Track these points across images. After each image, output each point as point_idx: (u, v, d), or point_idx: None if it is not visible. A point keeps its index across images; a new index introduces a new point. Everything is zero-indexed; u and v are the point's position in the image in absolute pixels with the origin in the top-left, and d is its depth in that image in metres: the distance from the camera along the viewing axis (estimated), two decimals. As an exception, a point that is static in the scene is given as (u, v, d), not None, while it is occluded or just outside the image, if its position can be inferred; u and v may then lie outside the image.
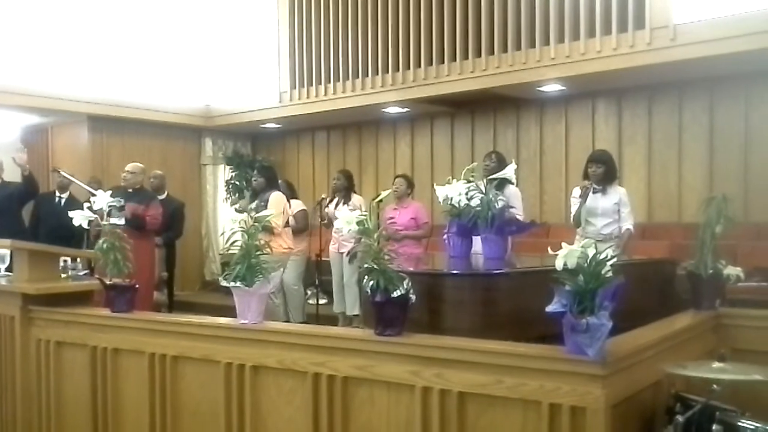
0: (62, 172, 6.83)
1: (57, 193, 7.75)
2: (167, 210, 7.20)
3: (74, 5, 9.05)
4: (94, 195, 3.71)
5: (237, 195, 10.52)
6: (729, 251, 4.44)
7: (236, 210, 6.30)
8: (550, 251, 2.35)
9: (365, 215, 2.72)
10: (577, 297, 2.30)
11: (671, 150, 7.68)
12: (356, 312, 7.11)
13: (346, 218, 2.74)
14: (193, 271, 10.86)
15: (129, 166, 6.59)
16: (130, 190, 6.42)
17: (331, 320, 7.43)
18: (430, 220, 6.91)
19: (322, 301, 7.65)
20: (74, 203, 7.65)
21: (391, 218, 6.43)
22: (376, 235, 2.69)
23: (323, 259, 7.52)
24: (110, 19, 9.40)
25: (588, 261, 2.31)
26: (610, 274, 2.32)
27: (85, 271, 4.88)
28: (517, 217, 5.55)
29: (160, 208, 6.65)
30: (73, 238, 7.50)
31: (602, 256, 2.31)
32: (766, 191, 7.06)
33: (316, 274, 7.61)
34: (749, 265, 5.80)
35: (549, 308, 2.33)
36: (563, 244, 2.31)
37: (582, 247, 2.27)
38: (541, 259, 4.71)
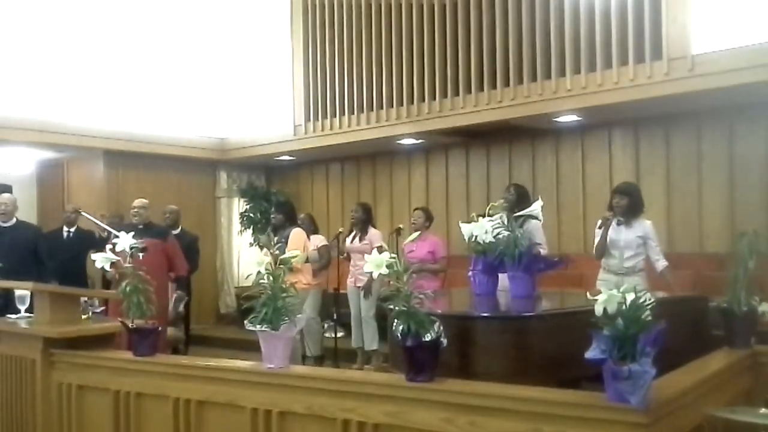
0: (84, 213, 6.84)
1: (65, 228, 7.78)
2: (182, 245, 7.19)
3: (89, 40, 9.15)
4: (117, 236, 3.67)
5: (251, 228, 10.52)
6: (755, 283, 4.36)
7: (258, 246, 6.33)
8: (589, 296, 2.29)
9: (395, 258, 2.67)
10: (616, 342, 2.25)
11: (691, 180, 7.61)
12: (374, 347, 7.04)
13: (375, 261, 2.69)
14: (208, 304, 10.82)
15: (138, 202, 6.62)
16: (141, 226, 6.44)
17: (350, 354, 7.36)
18: (447, 254, 6.86)
19: (339, 335, 7.57)
20: (82, 236, 7.68)
21: (411, 251, 6.38)
22: (400, 267, 2.63)
23: (341, 292, 7.48)
24: (125, 53, 9.49)
25: (627, 305, 2.25)
26: (650, 317, 2.26)
27: (101, 308, 4.86)
28: (541, 250, 5.52)
29: (177, 244, 6.65)
30: (83, 271, 7.52)
31: (640, 299, 2.26)
32: (789, 220, 6.97)
33: (334, 307, 7.55)
34: (775, 296, 5.71)
35: (588, 354, 2.26)
36: (601, 288, 2.26)
37: (622, 291, 2.22)
38: (561, 296, 4.65)
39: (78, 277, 7.36)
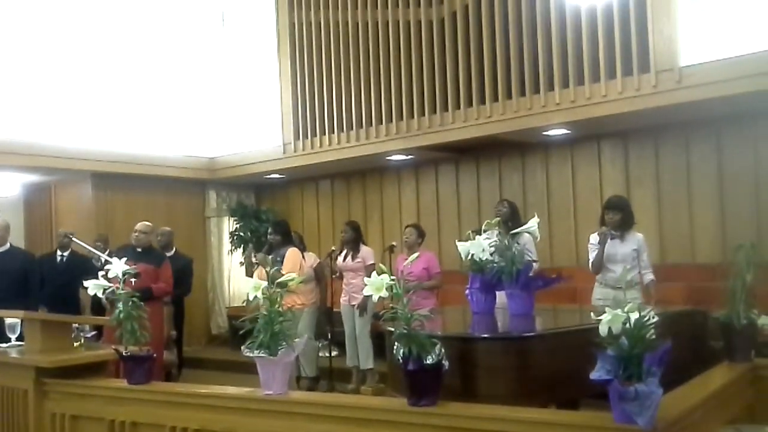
0: (74, 239, 6.74)
1: (59, 252, 7.67)
2: (175, 267, 7.11)
3: (75, 62, 9.09)
4: (109, 262, 3.61)
5: (242, 247, 10.44)
6: (752, 295, 4.36)
7: (254, 262, 6.27)
8: (593, 316, 2.26)
9: (394, 280, 2.64)
10: (622, 362, 2.22)
11: (681, 190, 7.63)
12: (370, 366, 6.98)
13: (375, 284, 2.66)
14: (200, 325, 10.71)
15: (140, 226, 6.48)
16: (139, 250, 6.33)
17: (344, 373, 7.30)
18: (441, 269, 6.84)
19: (333, 354, 7.50)
20: (75, 261, 7.58)
21: (410, 272, 6.34)
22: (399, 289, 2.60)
23: (334, 310, 7.44)
24: (111, 74, 9.44)
25: (631, 324, 2.23)
26: (654, 336, 2.24)
27: (93, 333, 4.80)
28: (534, 264, 5.58)
29: (170, 271, 6.55)
30: (77, 297, 7.42)
31: (644, 317, 2.24)
32: (779, 229, 7.00)
33: (327, 326, 7.50)
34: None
35: (593, 375, 2.24)
36: (602, 304, 2.23)
37: (626, 311, 2.20)
38: (556, 313, 4.63)
39: (72, 303, 7.26)
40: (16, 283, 6.22)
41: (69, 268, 7.46)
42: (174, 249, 7.88)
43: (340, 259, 7.20)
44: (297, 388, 6.77)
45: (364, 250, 7.13)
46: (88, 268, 7.24)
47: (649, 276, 5.31)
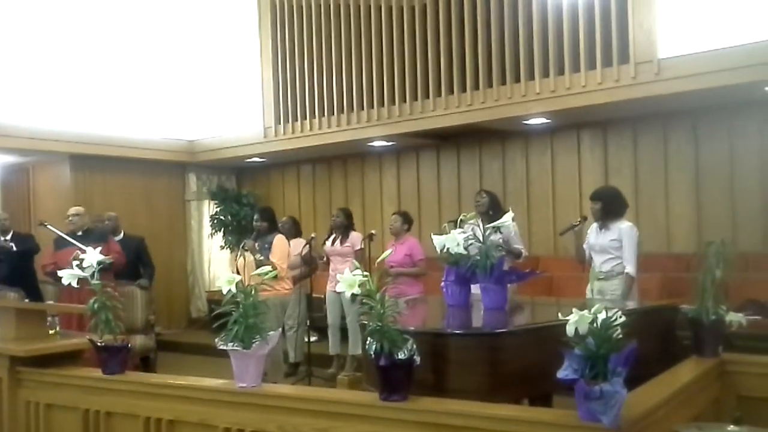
0: (49, 227, 6.72)
1: (1, 237, 7.60)
2: (129, 249, 7.15)
3: (53, 42, 8.98)
4: (83, 251, 3.60)
5: (222, 231, 10.44)
6: (722, 290, 4.42)
7: (242, 248, 6.28)
8: (560, 316, 2.30)
9: (367, 276, 2.66)
10: (588, 362, 2.26)
11: (657, 181, 7.72)
12: (359, 351, 6.92)
13: (347, 281, 2.68)
14: (179, 308, 10.72)
15: (73, 209, 6.69)
16: (80, 233, 6.43)
17: (324, 360, 7.34)
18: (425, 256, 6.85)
19: (312, 339, 7.54)
20: (19, 241, 7.54)
21: (391, 265, 6.35)
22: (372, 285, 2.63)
23: (314, 296, 7.46)
24: (90, 55, 9.33)
25: (598, 324, 2.27)
26: (620, 336, 2.29)
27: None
28: (523, 252, 5.78)
29: (117, 244, 6.75)
30: (33, 276, 7.41)
31: (611, 317, 2.28)
32: (753, 220, 7.11)
33: (306, 312, 7.52)
34: (740, 298, 5.80)
35: (560, 374, 2.28)
36: (573, 309, 2.27)
37: (593, 312, 2.24)
38: (532, 307, 4.68)
39: (31, 283, 7.24)
40: None
41: (15, 252, 7.45)
42: (122, 232, 7.82)
43: (329, 243, 7.20)
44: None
45: (353, 236, 7.14)
46: (30, 245, 7.31)
47: (627, 269, 5.07)
